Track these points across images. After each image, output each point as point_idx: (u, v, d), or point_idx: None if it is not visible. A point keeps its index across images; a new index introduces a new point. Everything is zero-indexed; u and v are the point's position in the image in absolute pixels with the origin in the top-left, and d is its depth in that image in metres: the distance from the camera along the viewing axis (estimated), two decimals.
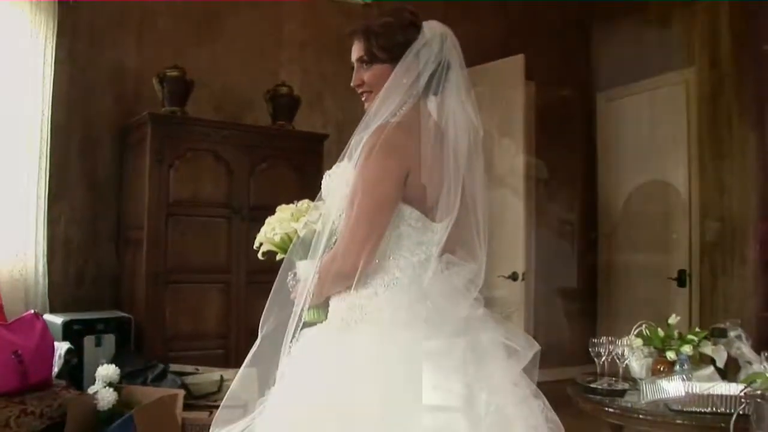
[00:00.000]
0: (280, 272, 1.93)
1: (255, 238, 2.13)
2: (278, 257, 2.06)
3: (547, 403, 1.83)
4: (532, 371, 1.81)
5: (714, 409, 3.02)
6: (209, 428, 1.94)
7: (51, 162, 4.59)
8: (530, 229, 5.75)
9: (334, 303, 1.82)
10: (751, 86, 5.34)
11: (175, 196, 4.59)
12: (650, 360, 3.54)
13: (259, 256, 2.12)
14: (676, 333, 3.67)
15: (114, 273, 4.92)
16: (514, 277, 4.99)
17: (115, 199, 4.97)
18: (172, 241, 4.55)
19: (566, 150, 6.70)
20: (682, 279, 5.96)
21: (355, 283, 1.73)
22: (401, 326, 1.69)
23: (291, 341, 1.78)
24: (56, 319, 4.23)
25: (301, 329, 1.81)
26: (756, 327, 4.52)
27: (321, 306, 1.91)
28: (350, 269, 1.73)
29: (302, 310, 1.81)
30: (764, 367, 3.37)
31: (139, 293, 4.55)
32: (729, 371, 3.52)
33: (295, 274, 1.94)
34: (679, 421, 3.01)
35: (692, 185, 5.85)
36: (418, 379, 1.62)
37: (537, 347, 1.81)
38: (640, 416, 3.11)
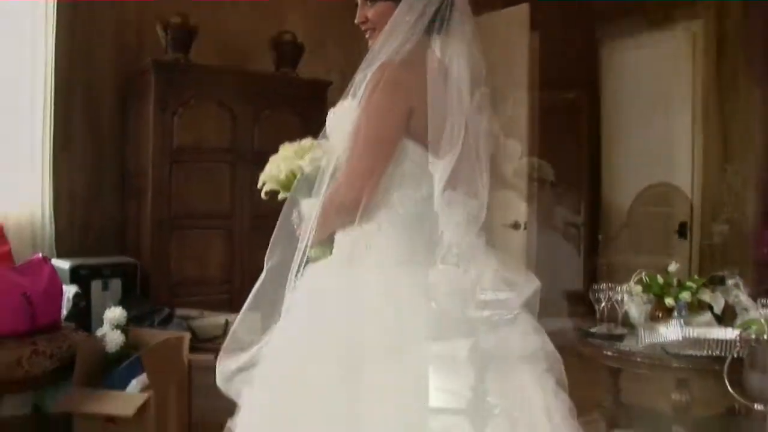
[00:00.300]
0: (284, 209, 1.96)
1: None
2: (280, 196, 2.09)
3: (546, 338, 1.87)
4: (533, 307, 1.85)
5: (710, 352, 3.08)
6: (214, 371, 1.99)
7: (55, 111, 4.59)
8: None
9: (338, 238, 1.85)
10: (758, 38, 5.30)
11: (179, 143, 4.61)
12: (649, 306, 3.60)
13: (263, 195, 2.14)
14: (675, 280, 3.72)
15: (119, 220, 4.97)
16: (515, 226, 5.04)
17: (119, 147, 4.99)
18: (177, 188, 4.59)
19: (570, 105, 6.65)
20: (683, 232, 6.02)
21: (358, 217, 1.76)
22: (404, 261, 1.73)
23: (296, 277, 1.81)
24: (63, 264, 4.29)
25: (306, 266, 1.85)
26: (753, 276, 4.57)
27: (326, 243, 1.94)
28: (352, 202, 1.76)
29: (307, 246, 1.84)
30: (760, 313, 3.42)
31: (145, 239, 4.60)
32: (726, 318, 3.58)
33: (299, 212, 1.97)
34: (675, 364, 3.08)
35: (695, 136, 5.85)
36: (421, 314, 1.66)
37: (537, 283, 1.85)
38: (638, 359, 3.18)
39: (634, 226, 6.38)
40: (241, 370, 1.79)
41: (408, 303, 1.67)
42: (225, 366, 1.82)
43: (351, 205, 1.76)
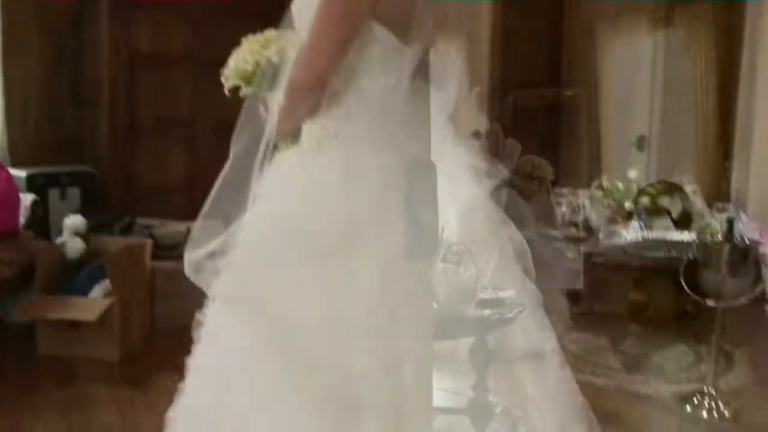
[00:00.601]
0: (246, 102, 1.91)
1: (220, 92, 2.10)
2: (242, 92, 2.03)
3: (513, 226, 1.89)
4: (500, 198, 1.87)
5: (667, 254, 3.16)
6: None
7: (4, 18, 4.40)
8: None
9: (306, 126, 1.82)
10: None
11: (136, 51, 4.48)
12: (609, 211, 3.66)
13: (226, 92, 2.08)
14: (634, 187, 3.79)
15: (75, 128, 4.83)
16: (476, 135, 5.03)
17: (74, 54, 4.82)
18: (135, 96, 4.50)
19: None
20: (640, 144, 6.10)
21: (325, 102, 1.72)
22: (375, 145, 1.70)
23: (262, 167, 1.78)
24: (20, 173, 4.19)
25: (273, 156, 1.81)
26: (709, 182, 4.67)
27: (293, 137, 1.90)
28: (315, 81, 1.69)
29: (272, 137, 1.80)
30: (715, 217, 3.52)
31: (102, 149, 4.52)
32: (682, 222, 3.66)
33: (265, 105, 1.92)
34: (634, 264, 3.15)
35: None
36: (392, 199, 1.64)
37: (505, 173, 1.86)
38: (598, 260, 3.25)
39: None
40: (209, 258, 1.77)
41: (378, 190, 1.66)
42: (193, 254, 1.79)
43: (314, 85, 1.70)
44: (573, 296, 3.82)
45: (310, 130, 1.78)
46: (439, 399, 1.74)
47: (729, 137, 5.14)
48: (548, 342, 1.96)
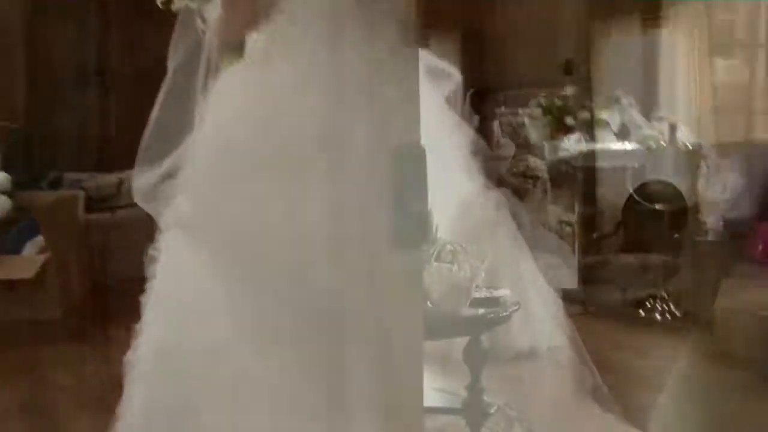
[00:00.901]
0: (181, 15, 1.79)
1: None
2: (175, 6, 1.91)
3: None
4: (456, 100, 1.82)
5: (613, 163, 3.20)
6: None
7: None
8: None
9: (250, 38, 1.72)
10: None
11: None
12: (548, 129, 3.67)
13: (159, 4, 1.96)
14: (572, 102, 3.80)
15: None
16: None
17: None
18: (50, 42, 4.23)
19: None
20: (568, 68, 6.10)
21: (266, 10, 1.61)
22: (327, 51, 1.61)
23: (205, 84, 1.68)
24: None
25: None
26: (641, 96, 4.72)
27: (236, 51, 1.80)
28: None
29: (214, 52, 1.70)
30: (654, 126, 3.56)
31: (21, 102, 4.26)
32: (622, 134, 3.70)
33: (203, 19, 1.81)
34: (580, 176, 3.18)
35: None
36: (354, 103, 1.56)
37: (459, 77, 1.80)
38: (543, 175, 3.26)
39: (630, 225, 6.30)
40: (159, 182, 1.65)
41: (332, 99, 1.57)
42: (142, 180, 1.67)
43: None
44: None
45: (254, 41, 1.68)
46: (433, 399, 1.74)
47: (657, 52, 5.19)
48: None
